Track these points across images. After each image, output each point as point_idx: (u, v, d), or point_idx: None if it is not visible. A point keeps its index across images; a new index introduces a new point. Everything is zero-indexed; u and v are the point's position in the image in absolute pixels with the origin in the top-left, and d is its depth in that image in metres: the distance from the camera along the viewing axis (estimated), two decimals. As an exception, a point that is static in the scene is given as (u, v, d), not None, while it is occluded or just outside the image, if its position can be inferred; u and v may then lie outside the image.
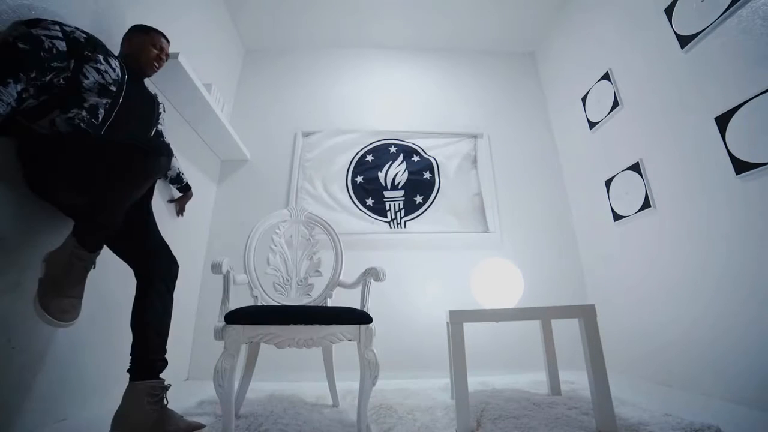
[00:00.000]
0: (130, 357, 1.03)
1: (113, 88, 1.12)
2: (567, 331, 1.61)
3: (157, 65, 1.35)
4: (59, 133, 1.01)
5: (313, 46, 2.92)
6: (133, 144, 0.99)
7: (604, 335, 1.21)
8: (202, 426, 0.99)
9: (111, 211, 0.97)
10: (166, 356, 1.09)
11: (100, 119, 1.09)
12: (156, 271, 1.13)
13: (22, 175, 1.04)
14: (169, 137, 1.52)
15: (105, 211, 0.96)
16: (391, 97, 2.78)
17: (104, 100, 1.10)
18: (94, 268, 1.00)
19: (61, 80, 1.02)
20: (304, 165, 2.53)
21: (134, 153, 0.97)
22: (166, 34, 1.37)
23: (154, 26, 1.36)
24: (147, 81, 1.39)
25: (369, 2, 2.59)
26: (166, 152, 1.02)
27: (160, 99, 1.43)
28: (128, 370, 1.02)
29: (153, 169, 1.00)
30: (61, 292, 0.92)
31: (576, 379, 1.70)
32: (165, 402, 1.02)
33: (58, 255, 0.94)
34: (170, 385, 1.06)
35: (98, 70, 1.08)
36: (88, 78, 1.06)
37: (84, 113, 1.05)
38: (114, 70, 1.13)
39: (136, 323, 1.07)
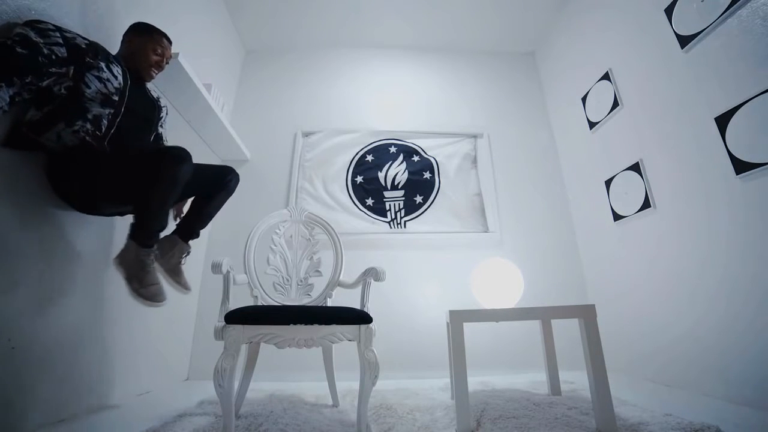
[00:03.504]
0: (182, 220, 1.35)
1: (115, 98, 1.11)
2: (567, 331, 1.61)
3: (156, 71, 1.31)
4: (72, 147, 1.05)
5: (313, 46, 2.92)
6: (163, 153, 1.08)
7: (604, 335, 1.21)
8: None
9: (156, 217, 1.13)
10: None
11: (103, 130, 1.09)
12: (218, 187, 1.35)
13: (58, 195, 1.13)
14: (170, 138, 1.52)
15: (152, 219, 1.12)
16: (391, 97, 2.78)
17: (107, 110, 1.10)
18: (157, 253, 1.20)
19: (63, 89, 1.01)
20: (304, 165, 2.53)
21: (164, 161, 1.06)
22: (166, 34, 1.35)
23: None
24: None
25: (369, 2, 2.58)
26: (188, 158, 1.10)
27: (162, 101, 1.43)
28: (178, 225, 1.34)
29: (182, 175, 1.09)
30: (147, 283, 1.13)
31: (576, 379, 1.70)
32: (183, 263, 1.33)
33: (126, 257, 1.12)
34: (191, 251, 1.35)
35: (100, 79, 1.07)
36: (90, 87, 1.05)
37: (88, 125, 1.06)
38: (116, 78, 1.12)
39: (198, 203, 1.34)
